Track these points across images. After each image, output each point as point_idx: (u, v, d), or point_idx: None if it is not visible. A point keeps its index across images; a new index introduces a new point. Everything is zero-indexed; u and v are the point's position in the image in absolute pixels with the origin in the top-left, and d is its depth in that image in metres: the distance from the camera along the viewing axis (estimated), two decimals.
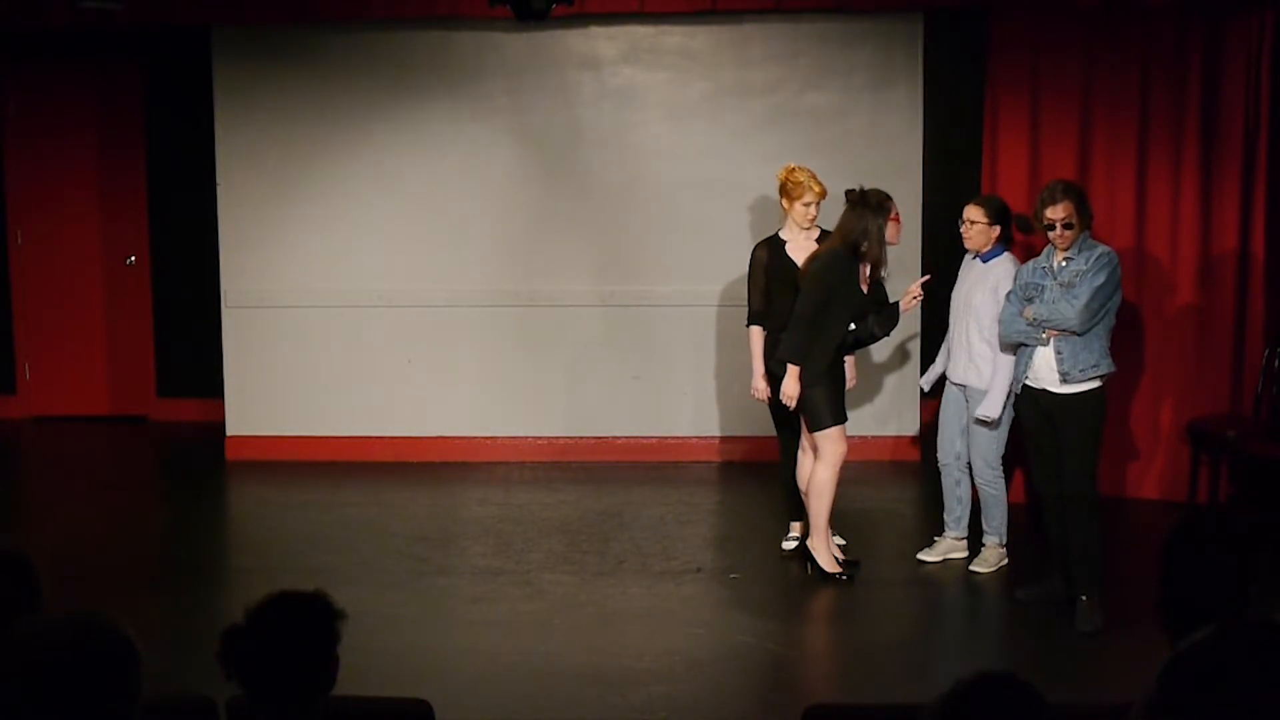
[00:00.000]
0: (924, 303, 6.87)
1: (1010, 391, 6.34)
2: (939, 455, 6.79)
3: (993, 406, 6.41)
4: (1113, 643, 5.78)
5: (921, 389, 7.28)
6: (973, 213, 6.52)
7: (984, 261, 6.54)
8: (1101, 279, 5.87)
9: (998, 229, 6.51)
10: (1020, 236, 6.75)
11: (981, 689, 2.16)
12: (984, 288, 6.46)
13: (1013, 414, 6.49)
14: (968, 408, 6.58)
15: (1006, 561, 6.68)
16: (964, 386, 6.58)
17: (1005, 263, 6.49)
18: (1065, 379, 5.95)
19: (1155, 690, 2.06)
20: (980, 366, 6.47)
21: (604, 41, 8.51)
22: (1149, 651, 2.81)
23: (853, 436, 8.32)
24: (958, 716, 2.13)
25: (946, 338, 6.86)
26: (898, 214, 6.51)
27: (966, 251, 6.69)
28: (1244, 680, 2.00)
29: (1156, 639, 2.88)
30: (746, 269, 7.04)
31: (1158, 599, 2.88)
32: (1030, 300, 6.05)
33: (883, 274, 6.62)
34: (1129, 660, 5.47)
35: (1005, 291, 6.34)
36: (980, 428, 6.52)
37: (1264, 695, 1.99)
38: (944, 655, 5.94)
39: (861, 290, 6.55)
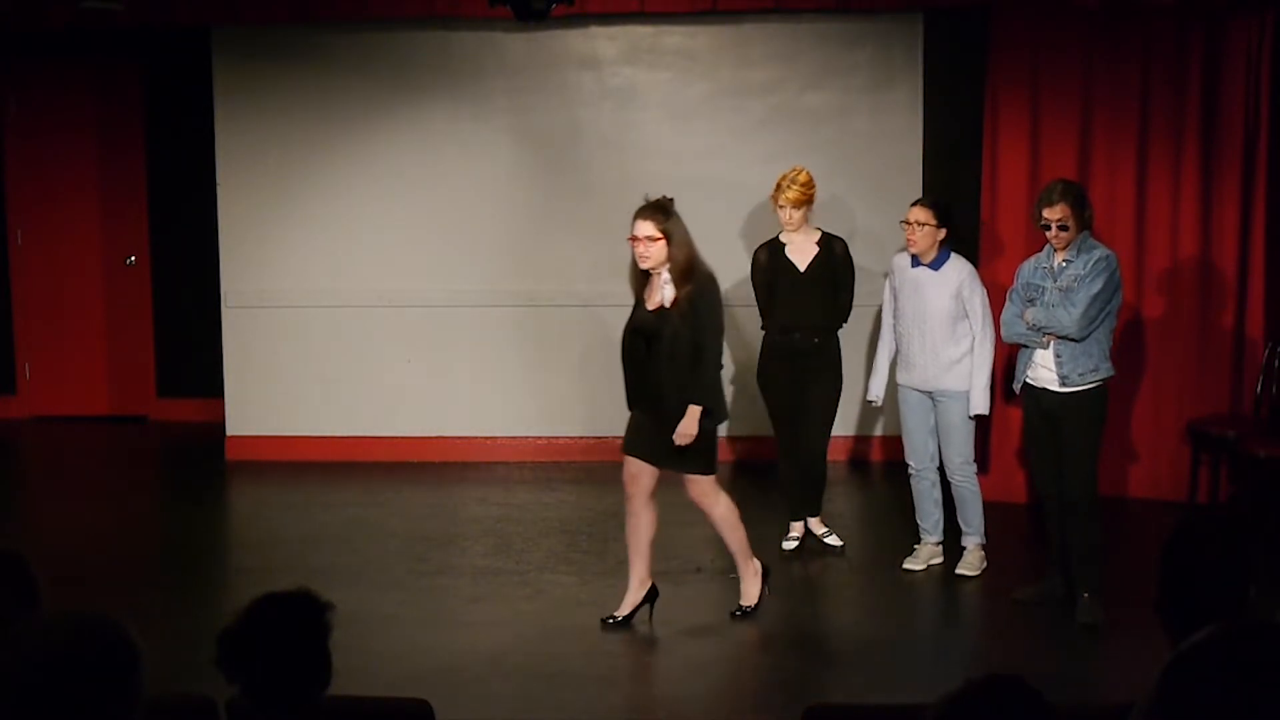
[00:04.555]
0: None
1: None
2: (911, 462, 6.66)
3: (982, 403, 6.39)
4: (1113, 642, 5.78)
5: (872, 403, 6.91)
6: (920, 214, 6.39)
7: (934, 269, 6.43)
8: (1099, 285, 5.85)
9: (944, 231, 6.42)
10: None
11: (989, 690, 2.15)
12: (944, 293, 6.38)
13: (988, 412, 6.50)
14: (935, 410, 6.51)
15: (987, 564, 6.63)
16: (931, 393, 6.51)
17: (959, 264, 6.43)
18: (1064, 382, 5.94)
19: (1156, 690, 2.06)
20: (956, 371, 6.43)
21: (604, 41, 8.51)
22: (1149, 651, 2.81)
23: (848, 436, 8.38)
24: (963, 716, 2.13)
25: (885, 348, 6.71)
26: (631, 236, 5.76)
27: (899, 254, 6.56)
28: (1244, 680, 2.00)
29: (1156, 639, 2.87)
30: (750, 269, 7.06)
31: (1158, 599, 2.88)
32: (1032, 301, 6.02)
33: (661, 299, 5.74)
34: (1129, 660, 5.47)
35: (970, 292, 6.33)
36: (954, 426, 6.46)
37: (1264, 695, 1.99)
38: (944, 655, 5.94)
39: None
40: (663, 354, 5.71)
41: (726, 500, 5.98)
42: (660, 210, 5.73)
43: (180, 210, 9.69)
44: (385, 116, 8.58)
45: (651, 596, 6.02)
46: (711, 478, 5.92)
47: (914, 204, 6.52)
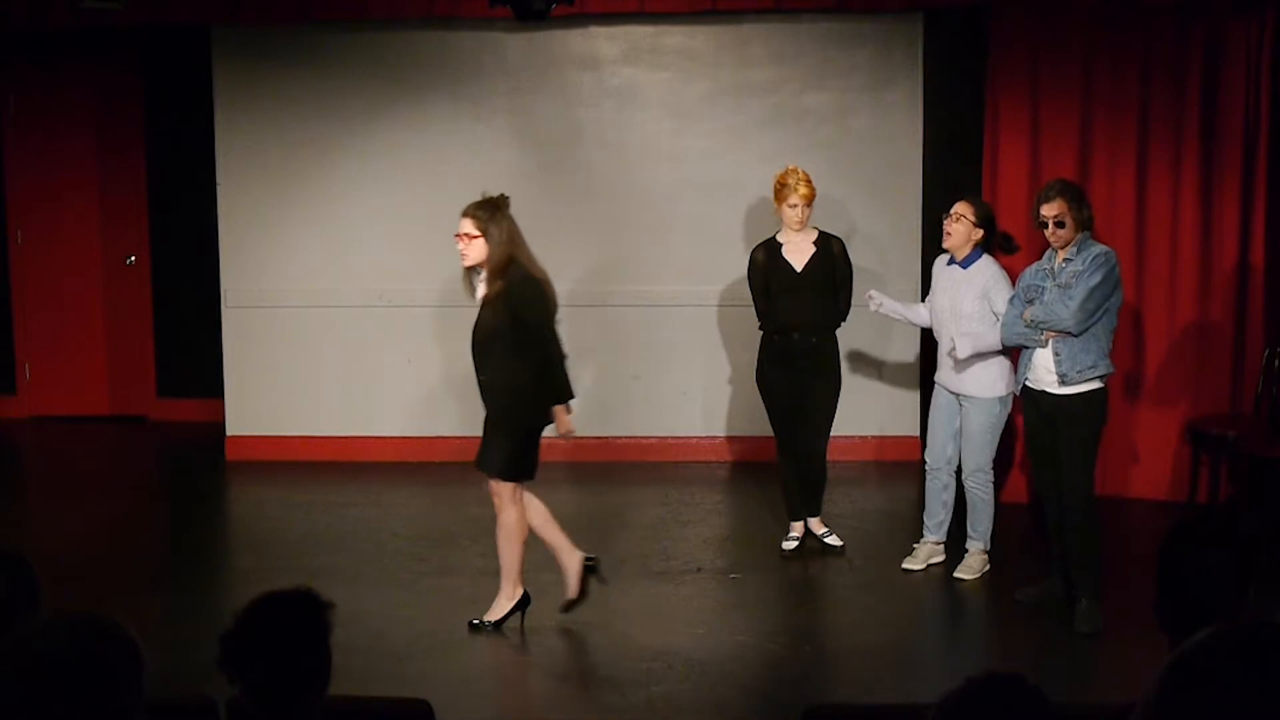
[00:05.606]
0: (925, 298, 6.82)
1: (1009, 392, 6.37)
2: (929, 460, 6.69)
3: (964, 348, 6.30)
4: (1113, 643, 5.78)
5: (870, 296, 6.76)
6: (964, 208, 6.43)
7: (964, 267, 6.45)
8: (1097, 279, 5.85)
9: (980, 233, 6.43)
10: (1000, 255, 6.61)
11: (990, 689, 2.15)
12: (971, 293, 6.39)
13: (1004, 418, 6.47)
14: (960, 413, 6.54)
15: (989, 568, 6.63)
16: (957, 395, 6.54)
17: (989, 265, 6.43)
18: (1063, 380, 5.94)
19: (1155, 691, 2.06)
20: (975, 373, 6.43)
21: (604, 41, 8.51)
22: (1149, 652, 2.81)
23: (851, 436, 8.36)
24: (964, 715, 2.13)
25: (921, 306, 6.82)
26: (457, 233, 5.81)
27: (942, 253, 6.61)
28: (1244, 680, 2.00)
29: (1156, 639, 2.88)
30: (747, 269, 7.05)
31: (1157, 599, 2.88)
32: (1031, 302, 6.03)
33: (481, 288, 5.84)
34: (1129, 660, 5.48)
35: (995, 294, 6.33)
36: (974, 432, 6.47)
37: (1264, 695, 1.99)
38: (944, 656, 5.95)
39: None
40: (479, 350, 5.80)
41: (518, 514, 5.90)
42: (483, 208, 5.74)
43: (180, 210, 9.68)
44: (385, 116, 8.58)
45: (591, 568, 6.05)
46: (509, 485, 5.88)
47: (962, 199, 6.54)
